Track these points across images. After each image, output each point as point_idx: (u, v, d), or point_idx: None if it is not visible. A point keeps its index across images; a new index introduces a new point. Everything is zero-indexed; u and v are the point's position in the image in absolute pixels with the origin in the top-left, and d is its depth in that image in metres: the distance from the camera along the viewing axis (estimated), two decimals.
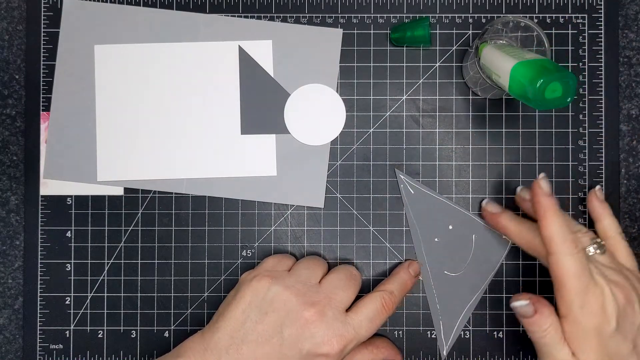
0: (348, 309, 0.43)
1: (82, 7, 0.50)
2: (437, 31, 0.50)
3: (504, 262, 0.49)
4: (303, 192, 0.50)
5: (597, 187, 0.48)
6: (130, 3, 0.50)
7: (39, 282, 0.49)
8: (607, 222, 0.45)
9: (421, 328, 0.49)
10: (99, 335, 0.49)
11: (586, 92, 0.50)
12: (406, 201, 0.49)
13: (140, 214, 0.50)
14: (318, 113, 0.49)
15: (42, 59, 0.50)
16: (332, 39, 0.50)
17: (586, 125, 0.50)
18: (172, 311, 0.50)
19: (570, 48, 0.50)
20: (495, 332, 0.49)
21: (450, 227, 0.49)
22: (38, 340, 0.49)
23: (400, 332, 0.49)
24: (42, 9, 0.50)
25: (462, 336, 0.49)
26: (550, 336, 0.40)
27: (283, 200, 0.50)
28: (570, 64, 0.50)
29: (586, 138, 0.50)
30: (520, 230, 0.44)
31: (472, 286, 0.49)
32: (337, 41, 0.50)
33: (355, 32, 0.50)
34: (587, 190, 0.50)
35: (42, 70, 0.50)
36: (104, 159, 0.49)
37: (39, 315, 0.49)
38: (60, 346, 0.49)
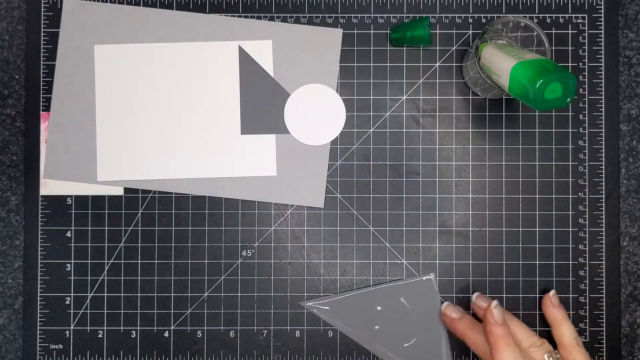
0: None
1: (82, 7, 0.50)
2: (437, 31, 0.50)
3: (504, 262, 0.49)
4: (303, 192, 0.50)
5: (552, 292, 0.48)
6: (130, 3, 0.50)
7: (39, 282, 0.49)
8: (563, 328, 0.46)
9: None
10: (99, 335, 0.49)
11: (586, 92, 0.50)
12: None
13: (140, 214, 0.50)
14: (318, 113, 0.49)
15: (42, 59, 0.50)
16: (332, 39, 0.50)
17: (586, 125, 0.50)
18: (172, 311, 0.50)
19: (570, 48, 0.50)
20: None
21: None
22: (38, 340, 0.49)
23: None
24: (42, 9, 0.50)
25: None
26: None
27: (283, 200, 0.50)
28: (570, 64, 0.50)
29: (586, 138, 0.50)
30: (476, 341, 0.45)
31: None
32: (337, 41, 0.50)
33: (355, 32, 0.50)
34: (586, 190, 0.50)
35: (42, 70, 0.50)
36: (104, 159, 0.49)
37: (39, 315, 0.49)
38: (60, 346, 0.49)
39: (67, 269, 0.50)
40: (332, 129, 0.50)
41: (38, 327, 0.49)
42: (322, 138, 0.49)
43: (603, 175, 0.50)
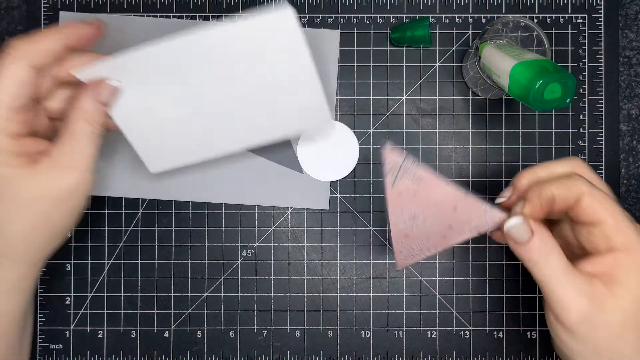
0: None
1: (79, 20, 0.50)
2: (437, 31, 0.50)
3: (504, 262, 0.49)
4: (306, 194, 0.49)
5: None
6: (130, 6, 0.50)
7: (39, 282, 0.49)
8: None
9: (421, 328, 0.49)
10: (99, 335, 0.49)
11: (586, 92, 0.50)
12: None
13: (140, 214, 0.50)
14: (331, 151, 0.49)
15: None
16: (330, 40, 0.50)
17: (586, 125, 0.50)
18: (172, 311, 0.50)
19: (570, 48, 0.50)
20: (495, 332, 0.49)
21: None
22: (38, 340, 0.49)
23: (400, 332, 0.49)
24: (42, 9, 0.50)
25: (462, 336, 0.49)
26: (556, 262, 0.32)
27: (286, 204, 0.49)
28: (570, 64, 0.50)
29: (586, 138, 0.50)
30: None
31: None
32: (335, 42, 0.50)
33: (355, 32, 0.50)
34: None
35: None
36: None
37: (39, 315, 0.49)
38: (60, 346, 0.49)
39: (67, 269, 0.50)
40: (346, 165, 0.49)
41: (38, 327, 0.49)
42: (337, 174, 0.49)
43: (603, 176, 0.50)
